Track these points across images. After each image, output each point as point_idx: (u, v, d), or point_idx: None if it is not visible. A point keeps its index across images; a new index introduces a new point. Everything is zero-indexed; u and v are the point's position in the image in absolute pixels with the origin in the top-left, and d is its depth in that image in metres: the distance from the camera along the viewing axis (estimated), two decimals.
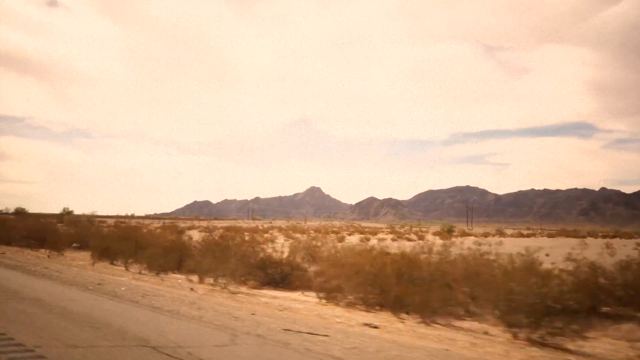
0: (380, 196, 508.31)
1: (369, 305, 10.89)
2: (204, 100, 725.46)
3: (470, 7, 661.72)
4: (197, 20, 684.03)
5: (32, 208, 77.37)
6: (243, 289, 13.39)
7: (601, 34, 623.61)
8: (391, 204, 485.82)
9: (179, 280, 14.61)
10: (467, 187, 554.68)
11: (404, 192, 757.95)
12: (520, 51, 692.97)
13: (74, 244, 25.33)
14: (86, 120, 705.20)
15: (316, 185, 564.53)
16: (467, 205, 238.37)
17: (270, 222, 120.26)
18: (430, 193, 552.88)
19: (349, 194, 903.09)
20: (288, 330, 7.82)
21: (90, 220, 48.15)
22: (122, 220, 71.73)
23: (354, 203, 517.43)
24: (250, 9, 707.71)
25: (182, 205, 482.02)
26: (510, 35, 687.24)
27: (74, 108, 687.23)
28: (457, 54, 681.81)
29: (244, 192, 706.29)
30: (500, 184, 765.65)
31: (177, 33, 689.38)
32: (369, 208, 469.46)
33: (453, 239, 41.86)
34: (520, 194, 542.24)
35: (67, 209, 71.66)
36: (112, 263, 18.92)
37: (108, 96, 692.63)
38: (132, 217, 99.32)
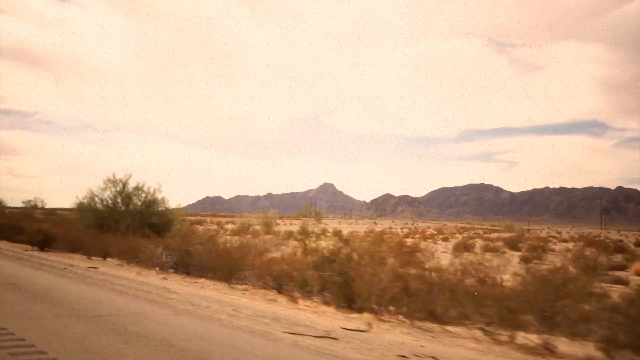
0: (395, 193, 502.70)
1: None
2: (214, 95, 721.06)
3: (481, 3, 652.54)
4: (207, 14, 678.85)
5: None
6: None
7: (615, 31, 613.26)
8: (407, 201, 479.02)
9: None
10: (482, 184, 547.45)
11: (417, 189, 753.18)
12: (532, 48, 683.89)
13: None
14: (96, 115, 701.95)
15: (329, 182, 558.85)
16: (601, 202, 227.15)
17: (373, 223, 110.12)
18: (444, 190, 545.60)
19: (362, 191, 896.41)
20: None
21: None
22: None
23: (368, 200, 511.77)
24: (261, 4, 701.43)
25: (194, 201, 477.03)
26: (522, 32, 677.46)
27: (83, 102, 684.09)
28: (468, 50, 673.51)
29: (255, 187, 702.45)
30: (510, 182, 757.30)
31: (187, 27, 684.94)
32: (386, 205, 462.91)
33: None
34: (535, 192, 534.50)
35: None
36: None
37: (118, 90, 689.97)
38: None
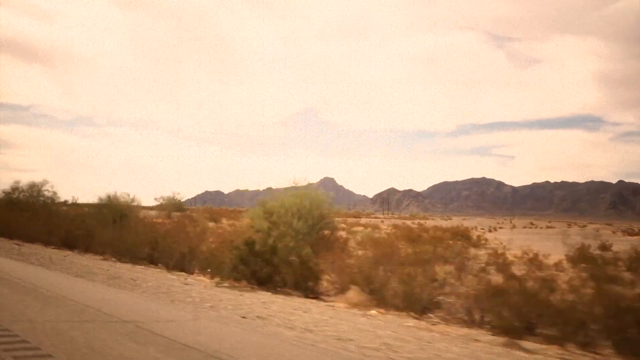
0: (398, 187, 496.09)
1: None
2: (210, 87, 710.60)
3: None
4: (203, 5, 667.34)
5: None
6: None
7: (612, 25, 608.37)
8: (412, 195, 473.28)
9: None
10: (483, 178, 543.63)
11: (418, 184, 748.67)
12: (530, 42, 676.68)
13: None
14: (91, 108, 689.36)
15: (329, 176, 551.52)
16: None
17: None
18: (445, 184, 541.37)
19: (363, 185, 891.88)
20: None
21: None
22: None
23: (370, 194, 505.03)
24: None
25: (192, 196, 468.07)
26: (521, 25, 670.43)
27: (78, 95, 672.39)
28: (466, 44, 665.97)
29: (255, 182, 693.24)
30: (507, 176, 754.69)
31: (184, 20, 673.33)
32: (390, 200, 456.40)
33: None
34: (536, 186, 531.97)
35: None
36: None
37: (113, 83, 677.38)
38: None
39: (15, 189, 29.59)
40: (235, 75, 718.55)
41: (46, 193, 29.81)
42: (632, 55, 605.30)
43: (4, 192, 29.47)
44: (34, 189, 29.52)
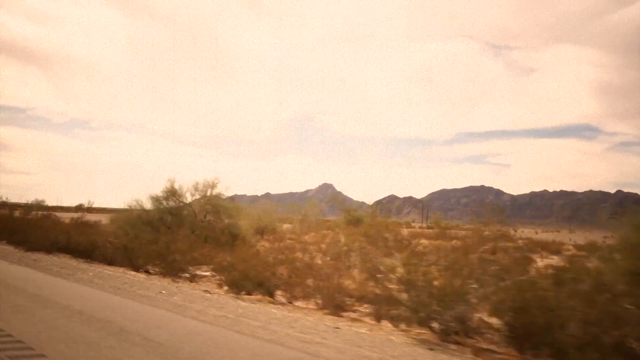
0: (399, 194, 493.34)
1: None
2: (207, 93, 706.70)
3: (477, 4, 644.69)
4: (200, 10, 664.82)
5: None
6: None
7: (612, 35, 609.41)
8: (412, 203, 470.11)
9: None
10: (482, 186, 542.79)
11: (416, 191, 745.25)
12: (527, 51, 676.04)
13: None
14: (87, 111, 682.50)
15: (328, 182, 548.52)
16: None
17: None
18: (444, 192, 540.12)
19: (362, 192, 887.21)
20: None
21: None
22: None
23: (369, 201, 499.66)
24: (255, 2, 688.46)
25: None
26: (518, 35, 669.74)
27: (74, 98, 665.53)
28: (463, 52, 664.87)
29: (253, 187, 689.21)
30: (503, 184, 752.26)
31: (180, 23, 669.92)
32: (391, 206, 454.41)
33: None
34: (534, 195, 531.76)
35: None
36: None
37: (109, 87, 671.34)
38: None
39: (172, 192, 16.97)
40: (232, 79, 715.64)
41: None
42: (630, 65, 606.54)
43: (153, 198, 17.14)
44: (202, 191, 16.71)
